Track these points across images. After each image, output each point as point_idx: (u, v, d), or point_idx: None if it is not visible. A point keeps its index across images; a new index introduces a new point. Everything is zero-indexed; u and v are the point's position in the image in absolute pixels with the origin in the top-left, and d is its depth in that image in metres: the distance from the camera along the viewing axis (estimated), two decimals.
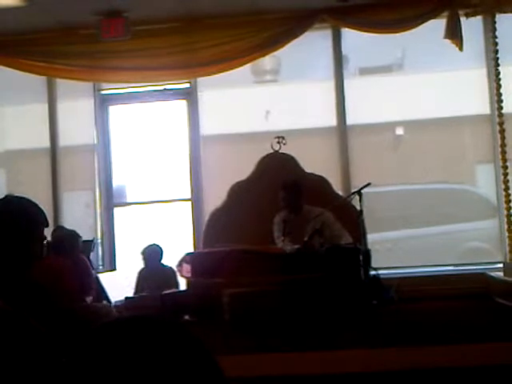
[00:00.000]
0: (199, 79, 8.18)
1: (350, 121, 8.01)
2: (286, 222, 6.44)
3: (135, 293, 6.66)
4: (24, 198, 2.38)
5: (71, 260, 5.80)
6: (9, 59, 7.88)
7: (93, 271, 6.48)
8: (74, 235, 6.21)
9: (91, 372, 0.86)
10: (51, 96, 8.38)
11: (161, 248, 6.83)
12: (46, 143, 8.32)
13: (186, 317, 6.04)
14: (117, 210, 8.47)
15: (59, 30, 7.74)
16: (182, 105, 8.48)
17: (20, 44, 7.83)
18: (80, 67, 7.89)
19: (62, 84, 8.30)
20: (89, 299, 5.86)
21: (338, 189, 7.43)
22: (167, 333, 0.91)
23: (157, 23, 7.66)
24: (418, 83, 8.22)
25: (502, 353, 4.12)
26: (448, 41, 7.39)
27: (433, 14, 7.43)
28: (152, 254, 6.75)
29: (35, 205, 2.35)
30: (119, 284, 7.18)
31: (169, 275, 6.71)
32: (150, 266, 6.74)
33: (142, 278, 6.77)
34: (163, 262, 6.81)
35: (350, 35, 7.95)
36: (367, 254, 6.02)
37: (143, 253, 6.77)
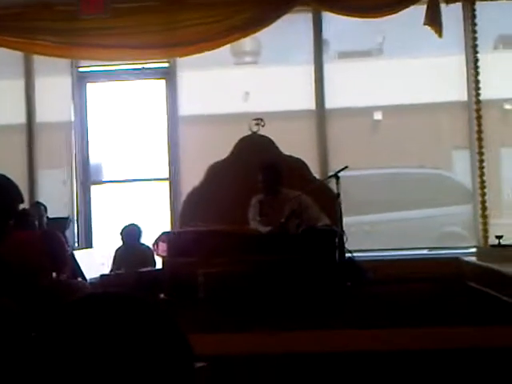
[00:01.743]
0: (178, 59, 8.15)
1: (328, 104, 8.03)
2: (263, 203, 6.47)
3: (111, 271, 6.65)
4: None
5: (39, 233, 5.71)
6: None
7: (68, 248, 6.43)
8: (37, 208, 6.10)
9: (61, 346, 0.87)
10: (28, 72, 8.28)
11: (139, 228, 6.81)
12: (22, 119, 8.24)
13: (162, 295, 6.05)
14: (93, 188, 8.44)
15: (37, 5, 7.64)
16: (160, 84, 8.43)
17: None
18: (58, 44, 7.80)
19: (39, 60, 8.21)
20: (63, 276, 5.82)
21: (315, 172, 7.45)
22: (138, 309, 0.92)
23: (136, 1, 7.60)
24: (397, 68, 8.25)
25: (473, 336, 4.17)
26: (428, 27, 7.41)
27: (413, 0, 7.44)
28: (130, 233, 6.74)
29: (10, 180, 2.35)
30: (95, 262, 7.16)
31: (146, 254, 6.69)
32: (128, 245, 6.72)
33: (119, 257, 6.75)
34: (142, 241, 6.80)
35: (330, 19, 7.95)
36: (342, 237, 6.07)
37: (122, 232, 6.75)
